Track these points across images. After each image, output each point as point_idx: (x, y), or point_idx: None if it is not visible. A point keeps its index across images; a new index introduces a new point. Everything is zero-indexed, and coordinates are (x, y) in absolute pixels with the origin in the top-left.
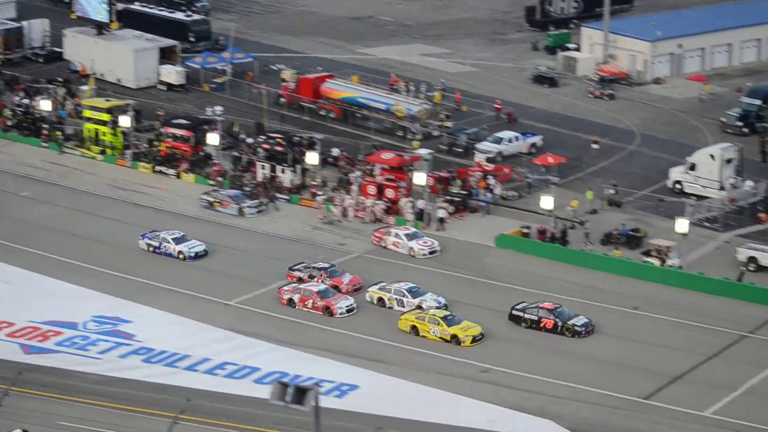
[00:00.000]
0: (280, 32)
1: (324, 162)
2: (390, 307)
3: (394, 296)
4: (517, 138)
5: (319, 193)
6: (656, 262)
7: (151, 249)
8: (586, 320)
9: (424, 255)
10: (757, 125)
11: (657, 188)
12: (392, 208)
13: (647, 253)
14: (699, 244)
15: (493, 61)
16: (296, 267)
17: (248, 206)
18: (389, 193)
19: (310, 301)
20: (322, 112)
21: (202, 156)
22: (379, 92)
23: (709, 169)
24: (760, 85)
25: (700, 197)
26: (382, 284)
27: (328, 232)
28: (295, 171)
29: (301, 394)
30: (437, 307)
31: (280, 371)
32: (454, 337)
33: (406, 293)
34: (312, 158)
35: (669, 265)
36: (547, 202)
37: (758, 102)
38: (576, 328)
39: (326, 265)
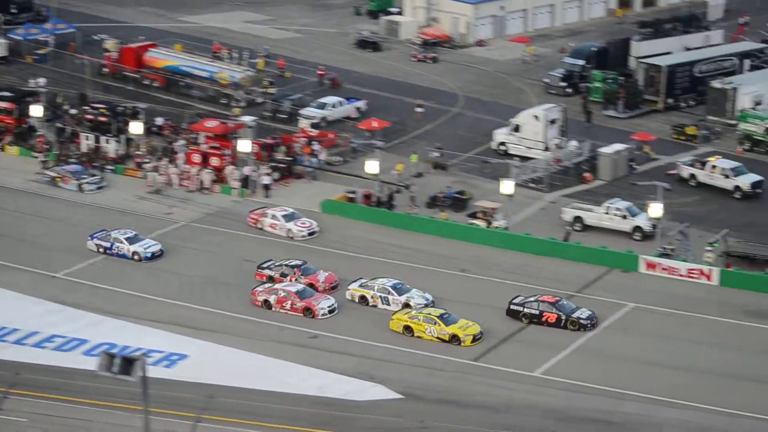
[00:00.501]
0: (102, 2)
1: (148, 131)
2: (374, 306)
3: (378, 294)
4: (341, 103)
5: (145, 161)
6: (482, 223)
7: (101, 250)
8: (589, 312)
9: (303, 237)
10: (581, 85)
11: (482, 150)
12: (218, 176)
13: (473, 215)
14: (524, 205)
15: (316, 27)
16: (266, 265)
17: (88, 182)
18: (214, 161)
19: (288, 302)
20: (146, 82)
21: (26, 128)
22: (202, 60)
23: (533, 130)
24: (583, 45)
25: (524, 158)
26: (362, 281)
27: (155, 201)
28: (119, 141)
29: (128, 364)
30: (426, 305)
31: (109, 342)
32: (453, 336)
33: (391, 290)
34: (136, 128)
35: (495, 227)
36: (372, 166)
37: (581, 62)
38: (581, 321)
39: (299, 262)
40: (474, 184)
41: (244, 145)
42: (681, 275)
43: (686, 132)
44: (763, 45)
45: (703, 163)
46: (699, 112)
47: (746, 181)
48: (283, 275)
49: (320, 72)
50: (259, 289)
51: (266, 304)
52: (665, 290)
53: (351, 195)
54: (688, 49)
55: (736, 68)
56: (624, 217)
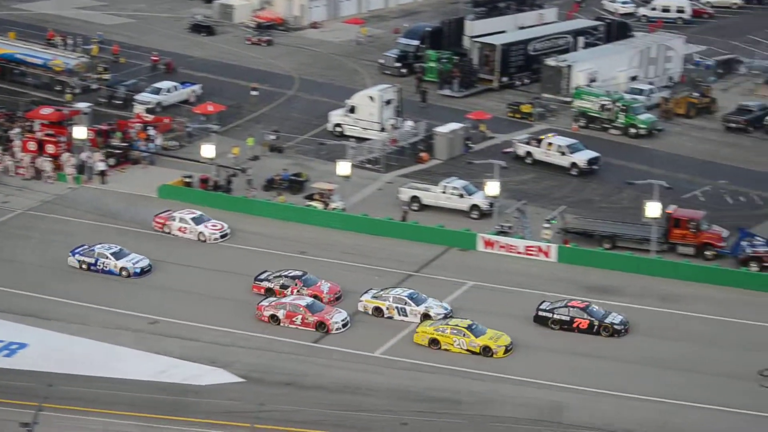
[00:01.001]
0: None
1: None
2: (390, 317)
3: (394, 304)
4: (176, 88)
5: None
6: (319, 205)
7: (84, 267)
8: (621, 317)
9: (216, 239)
10: (415, 66)
11: (318, 132)
12: (54, 164)
13: (310, 197)
14: (361, 186)
15: (149, 12)
16: (263, 276)
17: None
18: (50, 148)
19: (299, 316)
20: None
21: None
22: (36, 48)
23: (368, 111)
24: (417, 25)
25: (360, 139)
26: (374, 292)
27: None
28: None
29: None
30: (445, 314)
31: None
32: (485, 348)
33: (409, 301)
34: None
35: (332, 208)
36: (208, 150)
37: (416, 42)
38: (615, 326)
39: (299, 273)
40: (311, 166)
41: (80, 132)
42: (519, 252)
43: (521, 110)
44: (597, 23)
45: (539, 141)
46: (534, 90)
47: (582, 157)
48: (284, 287)
49: (154, 58)
50: (265, 303)
51: (274, 319)
52: (504, 268)
53: (188, 179)
54: (522, 28)
55: (570, 46)
56: (461, 195)
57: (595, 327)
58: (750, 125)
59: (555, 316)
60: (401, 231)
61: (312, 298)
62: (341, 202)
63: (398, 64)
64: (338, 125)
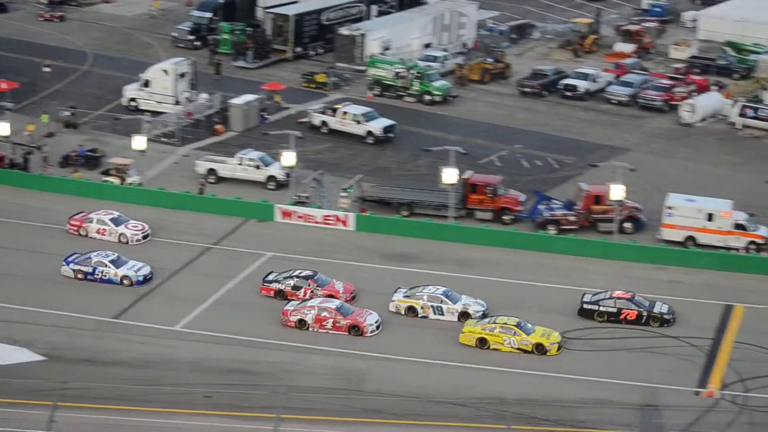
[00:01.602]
0: None
1: None
2: (425, 316)
3: (429, 303)
4: None
5: None
6: (116, 180)
7: (80, 276)
8: (668, 306)
9: (138, 240)
10: (209, 38)
11: (112, 107)
12: None
13: (106, 173)
14: (158, 160)
15: None
16: (271, 278)
17: None
18: None
19: (330, 320)
20: None
21: None
22: None
23: (163, 85)
24: None
25: (155, 113)
26: (404, 291)
27: None
28: None
29: None
30: (484, 312)
31: None
32: (538, 346)
33: (445, 299)
34: None
35: (129, 183)
36: (2, 128)
37: (209, 15)
38: (665, 316)
39: (310, 273)
40: (106, 141)
41: None
42: (317, 222)
43: (316, 80)
44: None
45: (334, 110)
46: (328, 60)
47: (378, 125)
48: (296, 288)
49: None
50: (290, 308)
51: (301, 324)
52: (302, 238)
53: None
54: None
55: (363, 15)
56: (257, 167)
57: (644, 318)
58: (544, 89)
59: (601, 308)
60: (199, 204)
61: (341, 301)
62: (137, 177)
63: (192, 37)
64: (133, 99)
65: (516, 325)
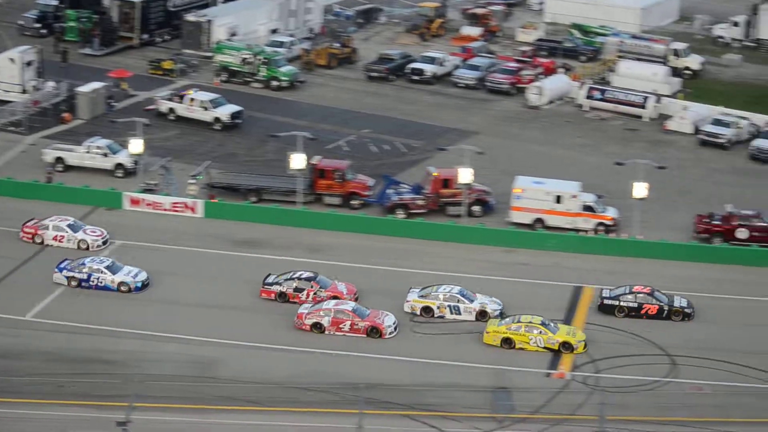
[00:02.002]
0: None
1: None
2: (441, 316)
3: (446, 303)
4: None
5: None
6: None
7: (74, 284)
8: (687, 300)
9: (99, 246)
10: (55, 26)
11: None
12: None
13: None
14: (5, 149)
15: None
16: (271, 280)
17: None
18: None
19: (347, 323)
20: None
21: None
22: None
23: (9, 74)
24: None
25: (2, 102)
26: (417, 291)
27: None
28: None
29: None
30: (500, 311)
31: None
32: (565, 344)
33: (462, 298)
34: None
35: None
36: None
37: (55, 2)
38: (686, 310)
39: (311, 274)
40: None
41: None
42: (166, 209)
43: (163, 66)
44: None
45: (181, 97)
46: (175, 46)
47: (225, 112)
48: (298, 290)
49: None
50: (304, 311)
51: (317, 327)
52: (151, 225)
53: None
54: None
55: (209, 1)
56: (105, 155)
57: (665, 312)
58: (391, 74)
59: (621, 303)
60: (47, 192)
61: (354, 303)
62: None
63: (38, 25)
64: None
65: (541, 324)
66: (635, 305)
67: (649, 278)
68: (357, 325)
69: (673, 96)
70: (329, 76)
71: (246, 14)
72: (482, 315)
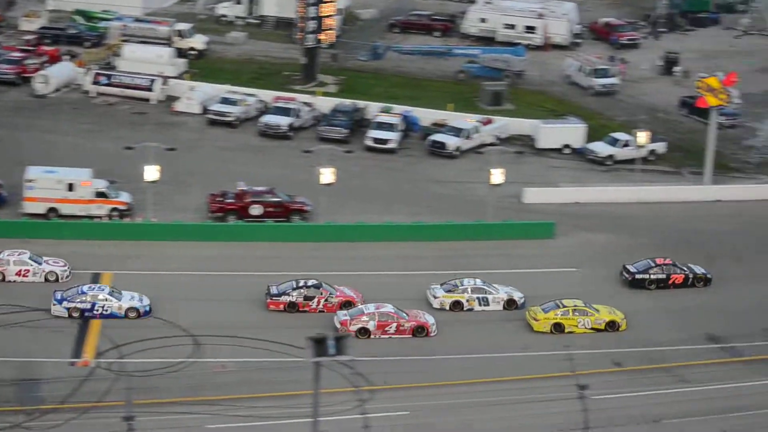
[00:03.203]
0: None
1: None
2: (470, 309)
3: (474, 296)
4: None
5: None
6: None
7: (75, 314)
8: (702, 268)
9: (68, 277)
10: None
11: None
12: None
13: None
14: None
15: None
16: (278, 291)
17: None
18: None
19: (394, 324)
20: None
21: None
22: None
23: None
24: None
25: None
26: (438, 287)
27: None
28: None
29: None
30: (522, 299)
31: None
32: (611, 324)
33: (487, 289)
34: None
35: None
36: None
37: None
38: (707, 276)
39: (315, 282)
40: None
41: None
42: None
43: None
44: None
45: None
46: None
47: None
48: (308, 299)
49: None
50: (346, 318)
51: (363, 332)
52: None
53: None
54: None
55: None
56: None
57: (690, 279)
58: None
59: (651, 276)
60: None
61: (389, 304)
62: None
63: None
64: None
65: (585, 305)
66: (664, 276)
67: (165, 260)
68: (403, 325)
69: (180, 77)
70: None
71: None
72: (510, 303)
